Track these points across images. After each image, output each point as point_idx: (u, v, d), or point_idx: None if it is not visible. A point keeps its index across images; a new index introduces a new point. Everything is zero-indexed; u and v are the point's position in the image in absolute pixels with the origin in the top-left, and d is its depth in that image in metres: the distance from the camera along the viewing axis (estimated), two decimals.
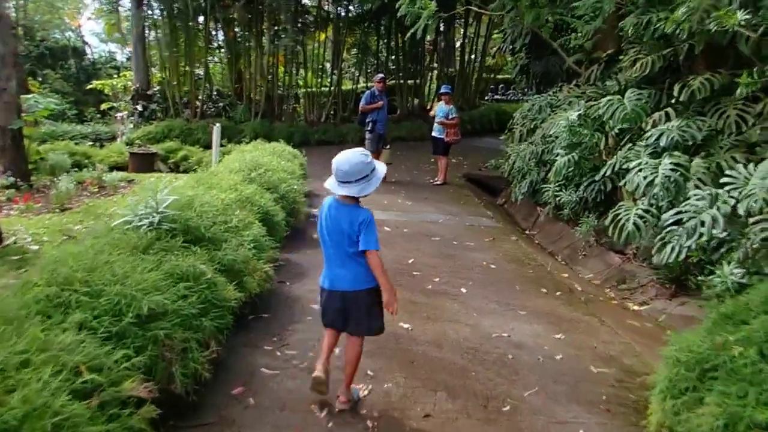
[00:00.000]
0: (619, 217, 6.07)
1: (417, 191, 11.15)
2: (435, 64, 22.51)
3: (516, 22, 11.36)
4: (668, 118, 7.03)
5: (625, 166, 6.68)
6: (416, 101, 21.87)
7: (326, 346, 3.63)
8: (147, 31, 19.78)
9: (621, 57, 8.25)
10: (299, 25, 19.84)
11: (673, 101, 7.15)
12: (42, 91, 24.00)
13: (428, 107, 22.36)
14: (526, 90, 26.53)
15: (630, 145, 7.00)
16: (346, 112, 20.47)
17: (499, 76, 25.75)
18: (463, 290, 5.77)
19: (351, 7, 20.28)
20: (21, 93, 16.26)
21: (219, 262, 3.82)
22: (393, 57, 22.42)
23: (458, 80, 21.08)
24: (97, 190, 10.54)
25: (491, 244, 7.73)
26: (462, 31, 21.48)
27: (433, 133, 12.23)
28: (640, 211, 5.94)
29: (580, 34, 10.67)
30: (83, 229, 6.59)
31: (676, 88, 7.14)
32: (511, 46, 12.62)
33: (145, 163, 13.30)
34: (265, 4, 17.84)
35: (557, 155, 8.02)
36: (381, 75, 12.40)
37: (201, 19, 19.64)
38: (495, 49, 17.51)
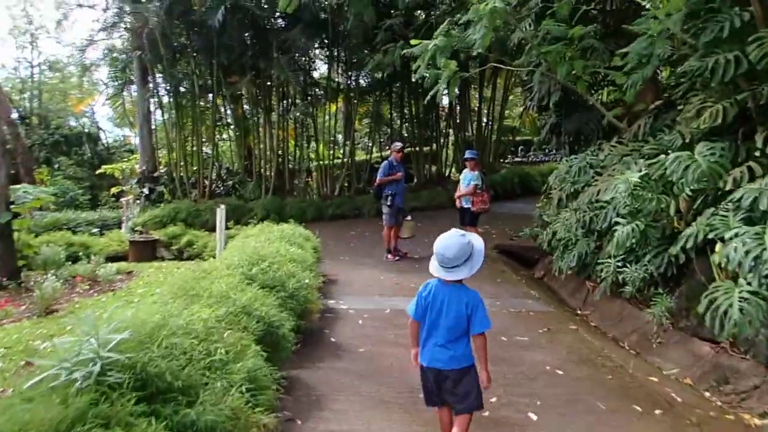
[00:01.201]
0: (716, 302, 4.78)
1: None
2: (451, 129, 21.60)
3: (545, 78, 10.36)
4: (752, 175, 5.83)
5: (710, 236, 5.43)
6: (434, 168, 20.89)
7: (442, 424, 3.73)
8: (153, 112, 19.18)
9: (680, 107, 7.11)
10: (309, 97, 19.18)
11: (757, 154, 5.96)
12: (48, 179, 23.50)
13: (447, 174, 21.41)
14: (555, 151, 25.75)
15: (712, 209, 5.76)
16: (361, 184, 19.52)
17: (519, 138, 24.86)
18: (533, 416, 4.31)
19: (362, 78, 19.59)
20: (28, 182, 15.60)
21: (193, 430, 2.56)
22: (406, 124, 21.61)
23: (476, 144, 20.11)
24: (88, 286, 9.40)
25: (548, 337, 6.38)
26: (478, 92, 20.63)
27: (459, 203, 11.07)
28: (745, 293, 4.66)
29: (615, 88, 9.64)
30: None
31: (759, 138, 5.96)
32: (537, 105, 11.58)
33: (146, 251, 12.25)
34: (273, 78, 17.14)
35: (615, 224, 6.79)
36: (399, 144, 11.38)
37: (209, 96, 19.03)
38: (522, 108, 16.53)
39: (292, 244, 7.66)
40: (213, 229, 15.61)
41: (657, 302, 6.26)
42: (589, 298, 8.47)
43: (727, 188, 5.86)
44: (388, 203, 10.64)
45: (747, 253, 4.73)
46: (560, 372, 5.28)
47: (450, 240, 3.49)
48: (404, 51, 9.85)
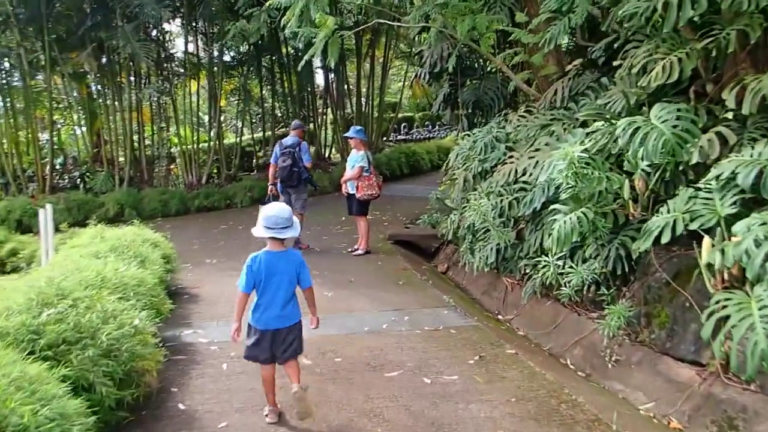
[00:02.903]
0: (730, 324, 3.43)
1: (335, 270, 8.19)
2: (328, 108, 19.83)
3: (439, 38, 8.83)
4: (725, 143, 4.57)
5: (692, 226, 4.09)
6: (312, 149, 19.03)
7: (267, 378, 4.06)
8: None
9: (618, 62, 5.76)
10: (164, 72, 16.69)
11: (729, 116, 4.71)
12: None
13: (327, 155, 19.66)
14: (439, 126, 24.63)
15: (684, 189, 4.43)
16: (231, 170, 17.35)
17: (400, 114, 23.49)
18: None
19: (226, 51, 17.33)
20: None
21: None
22: (279, 103, 19.56)
23: (356, 122, 18.45)
24: None
25: (484, 370, 4.73)
26: (355, 65, 18.94)
27: (345, 190, 9.41)
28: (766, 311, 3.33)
29: (519, 50, 8.31)
30: None
31: (729, 96, 4.69)
32: (429, 72, 10.03)
33: None
34: (121, 52, 14.51)
35: (551, 211, 5.37)
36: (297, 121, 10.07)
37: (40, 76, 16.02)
38: (401, 83, 14.94)
39: (128, 256, 5.66)
40: (56, 230, 13.11)
41: (613, 312, 4.90)
42: (508, 298, 7.11)
43: (693, 161, 4.58)
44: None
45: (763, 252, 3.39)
46: None
47: (279, 206, 4.09)
48: (269, 2, 7.94)
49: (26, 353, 2.90)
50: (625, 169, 5.05)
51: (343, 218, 11.12)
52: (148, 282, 4.99)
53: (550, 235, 5.16)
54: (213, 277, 8.10)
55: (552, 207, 5.35)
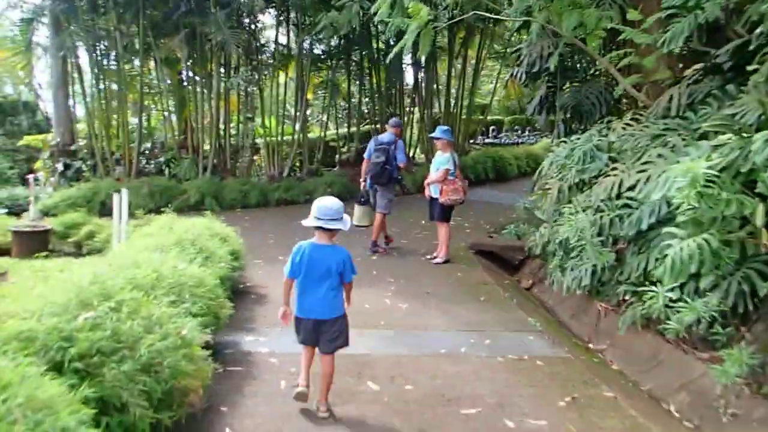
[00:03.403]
0: None
1: (412, 279, 7.68)
2: (416, 106, 19.34)
3: (542, 34, 8.17)
4: None
5: None
6: None
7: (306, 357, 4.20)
8: (70, 74, 16.31)
9: (754, 66, 4.98)
10: (253, 62, 16.66)
11: None
12: None
13: (412, 155, 19.17)
14: (529, 132, 23.67)
15: None
16: (314, 164, 17.14)
17: (490, 117, 22.70)
18: None
19: (316, 43, 17.15)
20: None
21: None
22: (366, 99, 19.22)
23: (444, 122, 17.87)
24: None
25: (578, 419, 4.08)
26: (447, 64, 18.35)
27: (428, 193, 8.89)
28: None
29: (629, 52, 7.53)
30: None
31: None
32: (526, 72, 9.34)
33: (35, 243, 9.73)
34: (212, 40, 14.52)
35: (665, 235, 4.67)
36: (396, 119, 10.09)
37: (139, 59, 16.29)
38: (507, 77, 14.06)
39: (195, 251, 5.34)
40: (131, 215, 13.31)
41: (731, 356, 4.17)
42: (600, 325, 6.41)
43: None
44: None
45: None
46: None
47: (332, 199, 4.18)
48: None
49: (52, 365, 2.53)
50: (757, 191, 4.29)
51: (424, 222, 10.61)
52: (208, 282, 4.60)
53: (657, 260, 4.47)
54: (282, 276, 7.78)
55: (666, 230, 4.63)
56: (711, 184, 4.17)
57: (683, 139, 5.55)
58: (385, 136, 9.09)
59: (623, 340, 5.81)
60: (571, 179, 7.11)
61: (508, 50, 17.59)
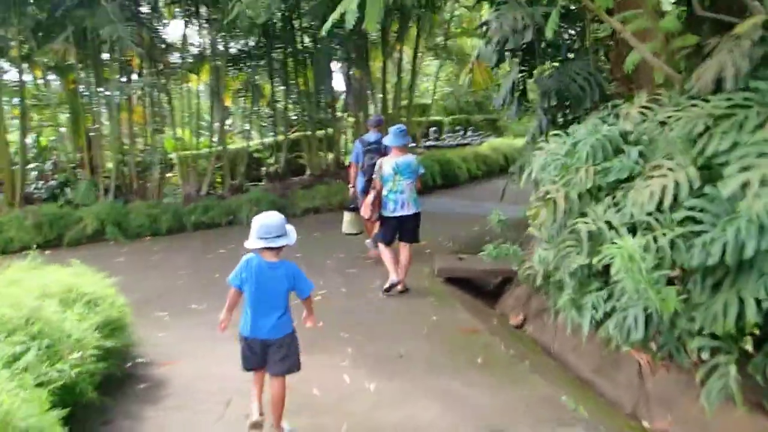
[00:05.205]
0: None
1: (374, 329, 5.63)
2: (349, 109, 17.40)
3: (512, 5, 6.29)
4: None
5: None
6: (330, 156, 16.57)
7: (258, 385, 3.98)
8: None
9: None
10: (158, 65, 14.28)
11: None
12: None
13: (348, 164, 17.14)
14: (467, 132, 21.95)
15: None
16: (237, 179, 14.85)
17: (430, 118, 20.85)
18: None
19: (232, 41, 14.95)
20: None
21: None
22: (292, 104, 17.03)
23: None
24: None
25: None
26: (382, 60, 16.41)
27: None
28: None
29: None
30: None
31: None
32: (498, 50, 7.40)
33: None
34: (107, 40, 12.05)
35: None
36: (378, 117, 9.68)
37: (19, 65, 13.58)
38: (472, 59, 12.14)
39: (20, 341, 3.15)
40: (16, 252, 10.87)
41: None
42: (647, 386, 4.54)
43: None
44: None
45: None
46: None
47: (271, 214, 3.93)
48: None
49: None
50: None
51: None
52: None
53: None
54: (197, 340, 5.58)
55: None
56: None
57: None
58: (370, 136, 8.74)
59: (697, 416, 3.93)
60: (581, 184, 5.21)
61: (447, 42, 15.90)
